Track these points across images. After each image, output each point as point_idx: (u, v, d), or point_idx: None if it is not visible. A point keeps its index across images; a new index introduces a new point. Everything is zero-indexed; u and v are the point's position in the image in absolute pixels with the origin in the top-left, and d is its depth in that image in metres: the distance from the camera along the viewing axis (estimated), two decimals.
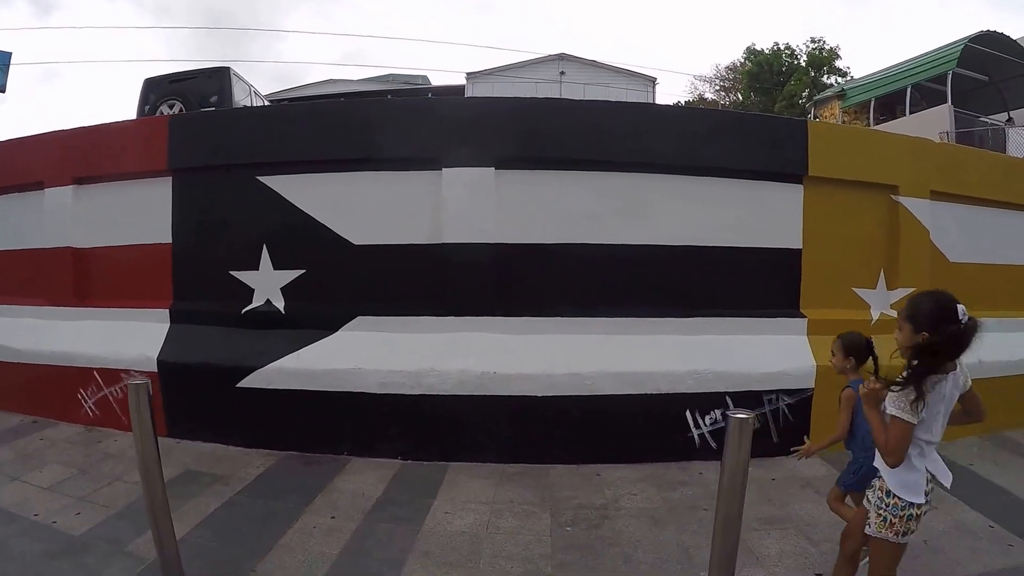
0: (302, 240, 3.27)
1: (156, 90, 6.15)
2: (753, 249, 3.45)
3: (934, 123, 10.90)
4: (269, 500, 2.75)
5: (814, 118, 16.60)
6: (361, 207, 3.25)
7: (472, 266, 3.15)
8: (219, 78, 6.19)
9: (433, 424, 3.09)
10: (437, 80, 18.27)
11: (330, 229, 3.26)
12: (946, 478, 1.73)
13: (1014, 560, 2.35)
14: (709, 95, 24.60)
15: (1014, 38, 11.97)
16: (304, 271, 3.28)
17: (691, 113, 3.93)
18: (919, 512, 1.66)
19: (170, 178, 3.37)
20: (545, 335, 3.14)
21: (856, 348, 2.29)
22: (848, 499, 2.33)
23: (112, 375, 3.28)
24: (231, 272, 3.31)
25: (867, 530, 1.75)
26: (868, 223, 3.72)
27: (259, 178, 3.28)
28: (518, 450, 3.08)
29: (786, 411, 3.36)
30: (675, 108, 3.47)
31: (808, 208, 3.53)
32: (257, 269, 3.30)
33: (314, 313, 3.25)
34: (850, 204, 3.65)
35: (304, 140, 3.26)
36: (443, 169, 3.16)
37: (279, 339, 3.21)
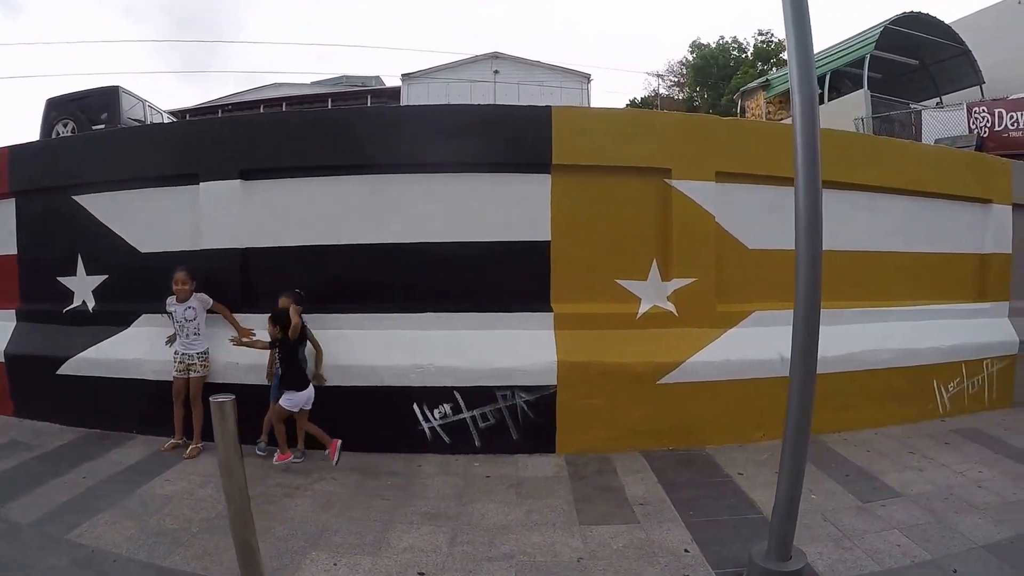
0: (106, 249, 4.01)
1: (57, 109, 7.29)
2: (496, 243, 3.61)
3: (851, 109, 10.53)
4: (51, 464, 3.52)
5: (741, 110, 16.30)
6: (145, 219, 3.91)
7: (222, 268, 3.68)
8: (109, 96, 7.21)
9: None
10: (391, 82, 19.16)
11: (124, 239, 3.97)
12: None
13: None
14: (663, 90, 25.10)
15: (943, 20, 11.38)
16: (107, 276, 4.03)
17: (432, 111, 4.05)
18: None
19: (13, 200, 4.28)
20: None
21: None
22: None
23: None
24: (58, 278, 4.15)
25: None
26: (636, 211, 3.69)
27: (73, 197, 4.06)
28: (259, 434, 3.56)
29: (525, 408, 3.51)
30: (416, 108, 3.67)
31: (556, 198, 3.60)
32: (75, 275, 4.10)
33: (113, 311, 3.98)
34: (611, 191, 3.65)
35: (100, 163, 3.98)
36: (200, 183, 3.72)
37: (87, 334, 3.99)
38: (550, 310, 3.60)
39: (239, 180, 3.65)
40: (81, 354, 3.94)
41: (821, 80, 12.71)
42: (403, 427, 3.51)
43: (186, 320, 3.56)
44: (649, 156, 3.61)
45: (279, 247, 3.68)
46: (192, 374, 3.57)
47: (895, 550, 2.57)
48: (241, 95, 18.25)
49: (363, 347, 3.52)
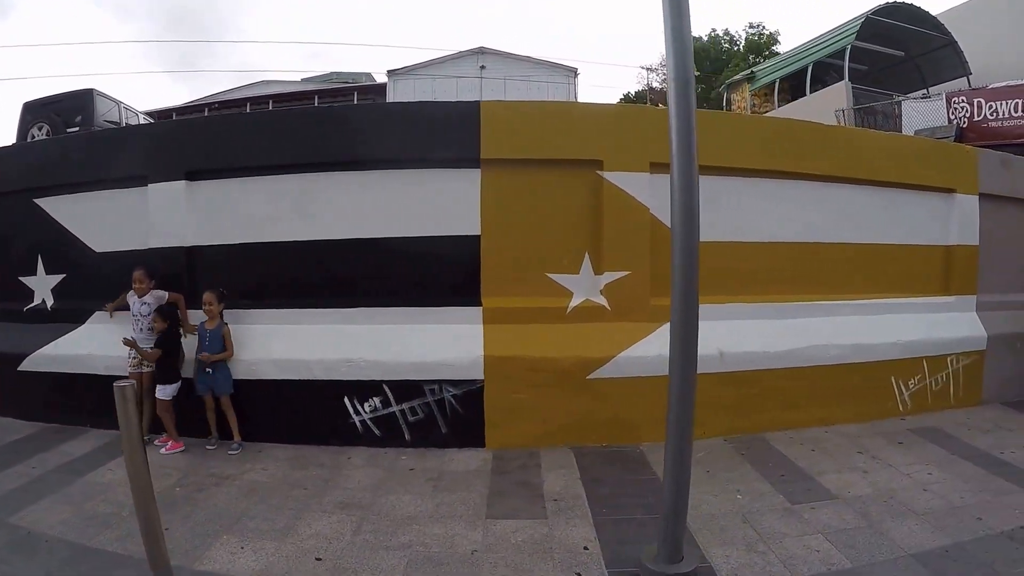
0: (63, 249, 4.29)
1: (32, 112, 7.65)
2: (427, 238, 3.74)
3: (833, 101, 10.96)
4: (5, 456, 3.78)
5: (727, 102, 17.05)
6: (99, 220, 4.19)
7: (169, 266, 3.91)
8: (83, 99, 7.57)
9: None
10: (383, 78, 19.54)
11: (80, 239, 4.25)
12: None
13: None
14: (656, 84, 25.47)
15: (928, 10, 11.86)
16: (65, 275, 4.32)
17: (363, 110, 4.24)
18: None
19: None
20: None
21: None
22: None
23: None
24: (20, 277, 4.46)
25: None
26: (568, 204, 3.77)
27: (35, 200, 4.36)
28: (200, 427, 3.78)
29: (453, 402, 3.62)
30: (348, 107, 3.89)
31: (486, 192, 3.72)
32: (36, 275, 4.40)
33: (70, 309, 4.26)
34: (542, 184, 3.75)
35: (58, 167, 4.26)
36: (148, 185, 3.96)
37: (46, 331, 4.28)
38: (479, 304, 3.72)
39: (184, 181, 3.88)
40: (40, 351, 4.22)
41: (803, 72, 13.43)
42: (335, 420, 3.67)
43: (140, 315, 3.82)
44: (580, 148, 3.69)
45: (221, 245, 3.89)
46: (144, 368, 3.81)
47: (813, 556, 2.51)
48: (228, 93, 18.98)
49: (297, 341, 3.70)
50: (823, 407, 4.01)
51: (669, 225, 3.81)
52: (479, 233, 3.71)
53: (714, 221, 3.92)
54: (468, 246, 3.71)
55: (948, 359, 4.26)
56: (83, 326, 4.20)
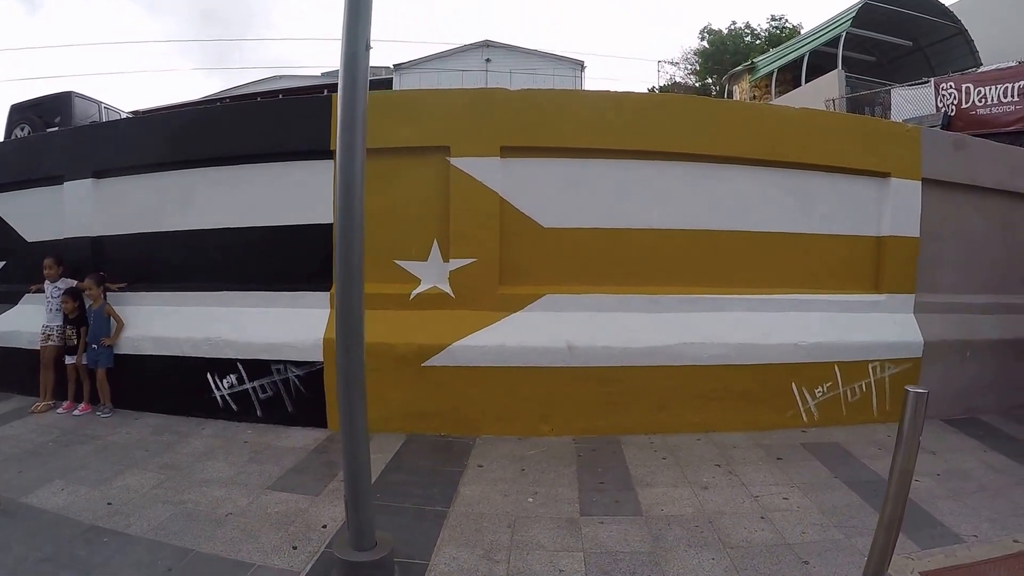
0: (4, 240, 5.49)
1: (18, 114, 9.23)
2: (285, 227, 4.40)
3: (827, 90, 11.69)
4: None
5: (728, 93, 18.29)
6: (30, 213, 5.35)
7: (79, 254, 4.93)
8: (62, 101, 9.10)
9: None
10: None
11: (15, 230, 5.44)
12: None
13: None
14: (679, 78, 26.70)
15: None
16: (5, 262, 5.53)
17: (226, 110, 4.93)
18: None
19: None
20: (116, 307, 4.70)
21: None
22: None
23: None
24: None
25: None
26: (417, 191, 4.24)
27: None
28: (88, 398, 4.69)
29: (297, 383, 4.20)
30: (212, 108, 4.64)
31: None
32: None
33: (7, 292, 5.44)
34: (393, 173, 4.25)
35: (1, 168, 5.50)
36: (64, 183, 5.03)
37: None
38: (326, 290, 4.28)
39: (92, 179, 4.91)
40: None
41: (799, 62, 14.07)
42: (201, 394, 4.41)
43: (52, 297, 4.87)
44: (427, 135, 4.16)
45: (119, 235, 4.86)
46: (50, 343, 4.83)
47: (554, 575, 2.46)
48: (242, 88, 21.37)
49: (173, 321, 4.53)
50: (700, 412, 4.05)
51: (525, 212, 4.28)
52: (332, 222, 4.29)
53: (575, 206, 4.23)
54: (323, 234, 4.30)
55: (870, 366, 4.07)
56: (16, 307, 5.36)
